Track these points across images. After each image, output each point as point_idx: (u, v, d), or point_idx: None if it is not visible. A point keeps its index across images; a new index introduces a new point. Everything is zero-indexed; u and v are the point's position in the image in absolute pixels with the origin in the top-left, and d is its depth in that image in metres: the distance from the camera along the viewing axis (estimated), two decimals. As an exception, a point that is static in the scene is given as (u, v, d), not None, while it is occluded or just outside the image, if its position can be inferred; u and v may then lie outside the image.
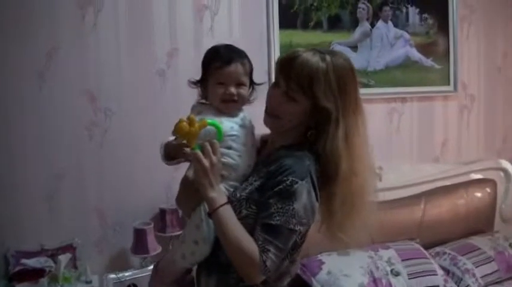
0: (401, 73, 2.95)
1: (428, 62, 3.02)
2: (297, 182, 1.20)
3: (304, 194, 1.21)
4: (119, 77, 2.37)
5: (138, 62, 2.40)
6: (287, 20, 2.65)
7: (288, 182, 1.19)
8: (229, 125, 1.31)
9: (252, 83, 1.39)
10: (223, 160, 1.27)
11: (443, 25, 3.04)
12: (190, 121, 1.20)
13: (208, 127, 1.23)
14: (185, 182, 1.35)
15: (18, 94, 2.23)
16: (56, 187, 2.31)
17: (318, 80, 1.22)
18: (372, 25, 2.86)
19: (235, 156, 1.30)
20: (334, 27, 2.77)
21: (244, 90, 1.34)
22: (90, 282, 2.25)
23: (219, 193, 1.23)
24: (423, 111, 3.06)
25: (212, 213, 1.21)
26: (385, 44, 2.90)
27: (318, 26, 2.73)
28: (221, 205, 1.21)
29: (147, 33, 2.41)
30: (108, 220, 2.42)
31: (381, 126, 2.93)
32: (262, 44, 2.61)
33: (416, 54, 2.99)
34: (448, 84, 3.07)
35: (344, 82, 1.25)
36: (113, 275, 2.26)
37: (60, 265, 2.16)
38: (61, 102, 2.29)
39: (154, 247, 2.30)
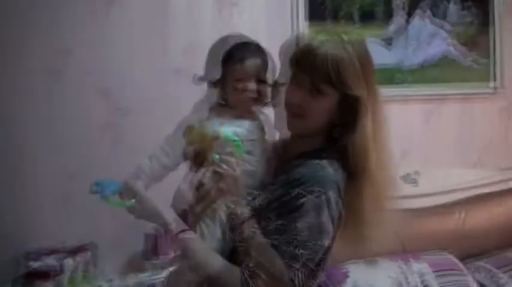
0: (439, 71, 2.77)
1: (468, 59, 2.82)
2: (303, 195, 1.07)
3: (312, 211, 1.07)
4: (133, 76, 2.29)
5: (154, 59, 2.31)
6: (314, 12, 2.50)
7: (292, 194, 1.08)
8: (249, 128, 1.22)
9: (276, 84, 1.30)
10: (220, 169, 1.18)
11: (485, 20, 2.84)
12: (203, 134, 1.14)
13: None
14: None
15: (31, 93, 2.18)
16: (70, 187, 2.25)
17: (346, 68, 1.15)
18: (409, 15, 2.68)
19: (253, 162, 1.21)
20: (366, 21, 2.60)
21: (264, 88, 1.25)
22: (101, 286, 2.18)
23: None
24: (462, 112, 2.87)
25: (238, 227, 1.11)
26: (421, 39, 2.72)
27: (348, 18, 2.56)
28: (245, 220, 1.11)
29: (163, 29, 2.32)
30: (123, 223, 2.32)
31: (416, 128, 2.77)
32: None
33: (455, 52, 2.80)
34: (490, 83, 2.87)
35: (366, 67, 1.18)
36: (122, 280, 2.20)
37: (68, 268, 2.09)
38: (74, 101, 2.23)
39: (166, 252, 2.20)
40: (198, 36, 2.34)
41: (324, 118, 1.19)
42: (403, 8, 2.64)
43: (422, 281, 2.18)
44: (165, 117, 2.31)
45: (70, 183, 2.25)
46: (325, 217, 1.08)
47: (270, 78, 1.28)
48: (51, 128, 2.21)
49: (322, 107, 1.18)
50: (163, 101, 2.33)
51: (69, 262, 2.15)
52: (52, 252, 2.21)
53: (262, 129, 1.26)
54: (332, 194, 1.10)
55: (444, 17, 2.75)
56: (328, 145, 1.21)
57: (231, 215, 1.15)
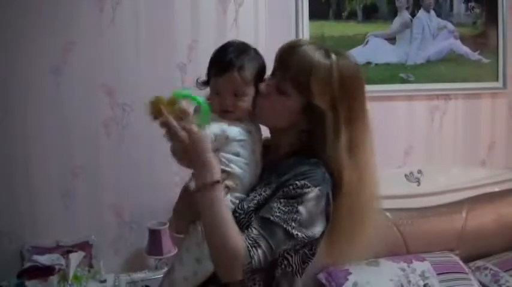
0: (444, 68, 2.71)
1: (474, 55, 2.76)
2: (308, 187, 1.07)
3: (313, 200, 1.08)
4: (137, 72, 2.28)
5: (158, 55, 2.30)
6: (318, 10, 2.47)
7: (298, 184, 1.07)
8: (236, 129, 1.17)
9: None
10: (228, 169, 1.14)
11: (492, 14, 2.77)
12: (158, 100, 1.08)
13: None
14: (185, 193, 1.22)
15: (35, 89, 2.19)
16: (73, 184, 2.27)
17: (317, 76, 1.10)
18: (412, 15, 2.63)
19: (242, 164, 1.16)
20: (370, 18, 2.57)
21: (242, 101, 1.18)
22: (104, 281, 2.20)
23: (212, 167, 1.06)
24: (469, 109, 2.81)
25: (199, 190, 1.05)
26: (426, 35, 2.66)
27: (352, 16, 2.54)
28: (214, 182, 1.05)
29: (167, 25, 2.31)
30: (125, 219, 2.35)
31: (421, 125, 2.72)
32: (291, 36, 2.44)
33: (461, 47, 2.74)
34: (497, 80, 2.80)
35: (350, 85, 1.14)
36: (125, 276, 2.20)
37: (70, 264, 2.11)
38: (78, 97, 2.23)
39: (170, 249, 2.21)
40: (202, 33, 2.34)
41: (286, 118, 1.16)
42: (407, 8, 2.61)
43: (424, 284, 2.17)
44: (169, 115, 2.32)
45: (74, 179, 2.26)
46: (322, 211, 1.10)
47: (249, 90, 1.20)
48: (55, 125, 2.22)
49: (283, 107, 1.15)
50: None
51: (74, 257, 2.17)
52: (57, 247, 2.24)
53: (250, 132, 1.21)
54: (329, 193, 1.11)
55: (447, 16, 2.70)
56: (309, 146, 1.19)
57: (239, 211, 1.13)
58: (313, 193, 1.07)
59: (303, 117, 1.15)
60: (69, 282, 2.10)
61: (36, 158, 2.22)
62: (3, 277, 2.14)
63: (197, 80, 1.26)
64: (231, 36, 2.34)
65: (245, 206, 1.13)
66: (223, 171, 1.13)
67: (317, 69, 1.10)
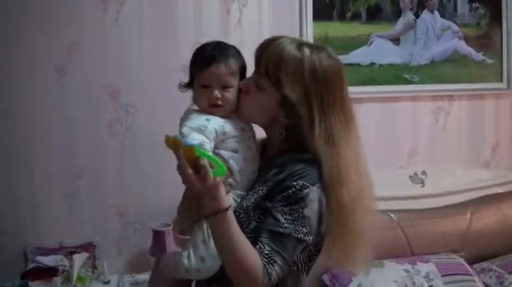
0: (448, 68, 2.69)
1: (478, 56, 2.74)
2: (307, 187, 1.07)
3: (316, 200, 1.08)
4: (141, 73, 2.29)
5: (162, 56, 2.30)
6: (322, 11, 2.46)
7: (297, 186, 1.07)
8: (232, 125, 1.19)
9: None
10: (229, 165, 1.14)
11: (496, 15, 2.75)
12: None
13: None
14: (188, 192, 1.23)
15: (39, 90, 2.19)
16: (77, 185, 2.28)
17: (286, 66, 1.11)
18: (416, 15, 2.62)
19: (240, 161, 1.17)
20: (374, 18, 2.56)
21: (230, 93, 1.20)
22: (108, 282, 2.20)
23: (221, 197, 1.05)
24: (473, 110, 2.79)
25: (211, 216, 1.05)
26: (430, 36, 2.65)
27: (356, 16, 2.53)
28: (224, 209, 1.05)
29: (171, 26, 2.31)
30: (129, 219, 2.35)
31: (425, 126, 2.70)
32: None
33: (465, 48, 2.72)
34: (501, 81, 2.78)
35: (324, 77, 1.13)
36: (129, 277, 2.20)
37: (74, 265, 2.11)
38: (82, 98, 2.24)
39: (173, 250, 2.19)
40: (206, 34, 2.31)
41: (266, 113, 1.17)
42: (411, 9, 2.60)
43: (429, 286, 2.16)
44: (173, 115, 2.31)
45: (77, 180, 2.27)
46: (325, 207, 1.11)
47: (235, 81, 1.21)
48: (59, 126, 2.22)
49: (261, 102, 1.16)
50: (170, 98, 2.30)
51: (77, 257, 2.17)
52: (60, 248, 2.24)
53: (242, 129, 1.22)
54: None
55: (451, 17, 2.69)
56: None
57: (239, 210, 1.13)
58: (312, 192, 1.08)
59: (280, 111, 1.14)
60: (73, 283, 2.10)
61: (40, 159, 2.22)
62: (6, 277, 2.14)
63: (179, 83, 1.27)
64: (234, 36, 2.34)
65: (244, 205, 1.13)
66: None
67: (286, 61, 1.11)
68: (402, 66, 2.60)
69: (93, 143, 2.27)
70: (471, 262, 2.38)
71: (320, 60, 1.13)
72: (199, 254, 1.15)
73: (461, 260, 2.34)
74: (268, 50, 1.14)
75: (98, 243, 2.28)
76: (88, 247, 2.28)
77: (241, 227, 1.09)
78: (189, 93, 2.31)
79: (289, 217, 1.06)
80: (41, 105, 2.20)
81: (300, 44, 1.15)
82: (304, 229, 1.06)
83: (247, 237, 1.08)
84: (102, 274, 2.23)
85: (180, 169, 1.01)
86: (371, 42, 2.54)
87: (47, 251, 2.21)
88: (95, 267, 2.27)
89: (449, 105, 2.74)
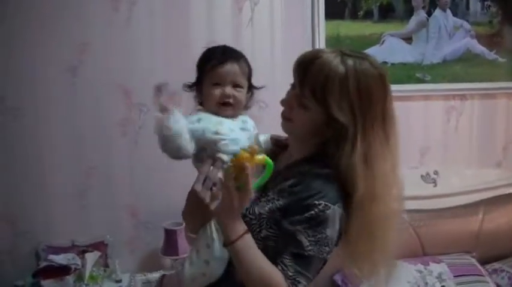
0: (460, 67, 2.66)
1: (491, 55, 2.71)
2: (329, 207, 1.06)
3: (337, 219, 1.07)
4: (153, 72, 2.27)
5: (174, 55, 2.28)
6: (334, 9, 2.44)
7: (320, 207, 1.06)
8: (228, 126, 1.19)
9: (251, 87, 1.28)
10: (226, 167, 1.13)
11: (508, 13, 2.70)
12: (251, 152, 1.04)
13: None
14: (193, 197, 1.20)
15: (51, 89, 2.19)
16: (89, 184, 2.28)
17: (333, 86, 1.06)
18: (429, 14, 2.59)
19: None
20: (386, 17, 2.54)
21: (241, 93, 1.23)
22: (120, 281, 2.21)
23: (239, 222, 1.09)
24: (485, 110, 2.76)
25: (230, 244, 1.07)
26: (443, 35, 2.62)
27: (368, 15, 2.51)
28: (240, 236, 1.07)
29: (183, 25, 2.30)
30: (141, 218, 2.35)
31: (437, 126, 2.68)
32: (306, 36, 2.42)
33: (477, 47, 2.69)
34: (515, 79, 2.74)
35: (368, 91, 1.08)
36: (141, 276, 2.20)
37: (87, 264, 2.11)
38: (94, 97, 2.23)
39: (185, 249, 2.19)
40: (218, 33, 2.32)
41: (309, 129, 1.13)
42: (423, 7, 2.58)
43: (442, 286, 2.15)
44: (185, 114, 2.31)
45: (89, 179, 2.27)
46: (343, 223, 1.10)
47: (245, 83, 1.25)
48: (71, 125, 2.22)
49: (305, 119, 1.12)
50: (183, 97, 2.31)
51: (90, 256, 2.18)
52: (72, 247, 2.25)
53: (244, 129, 1.23)
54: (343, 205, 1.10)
55: (464, 15, 2.65)
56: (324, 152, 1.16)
57: (250, 216, 1.13)
58: (334, 211, 1.07)
59: (326, 129, 1.11)
60: (85, 282, 2.11)
61: (52, 158, 2.22)
62: (18, 276, 2.16)
63: (184, 84, 1.29)
64: (246, 35, 2.33)
65: (256, 211, 1.13)
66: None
67: (332, 81, 1.06)
68: (414, 65, 2.58)
69: (105, 142, 2.27)
70: (483, 262, 2.36)
71: (363, 72, 1.08)
72: (203, 258, 1.15)
73: (474, 261, 2.33)
74: (312, 70, 1.08)
75: (110, 242, 2.29)
76: (99, 246, 2.28)
77: (252, 233, 1.09)
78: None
79: (313, 239, 1.06)
80: (53, 105, 2.20)
81: (343, 55, 1.09)
82: (327, 248, 1.07)
83: (257, 244, 1.09)
84: (114, 273, 2.23)
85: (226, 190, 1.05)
86: (383, 41, 2.52)
87: (59, 250, 2.23)
88: (106, 266, 2.28)
89: (461, 104, 2.71)
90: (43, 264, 2.14)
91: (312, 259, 1.06)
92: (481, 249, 2.41)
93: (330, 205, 1.06)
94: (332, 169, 1.10)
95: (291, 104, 1.13)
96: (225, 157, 1.14)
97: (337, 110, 1.06)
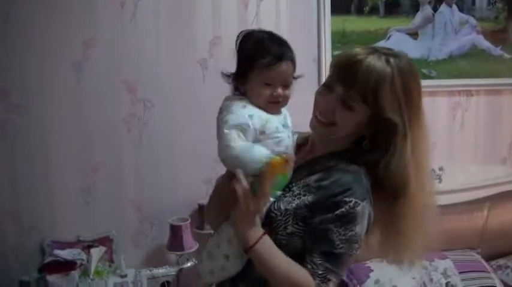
0: (466, 63, 2.65)
1: (497, 50, 2.70)
2: (359, 204, 1.07)
3: (366, 216, 1.09)
4: (158, 68, 2.27)
5: (179, 51, 2.28)
6: (340, 5, 2.43)
7: (350, 204, 1.06)
8: (275, 125, 1.15)
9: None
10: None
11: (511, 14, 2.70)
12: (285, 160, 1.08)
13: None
14: (220, 189, 1.21)
15: (56, 85, 2.19)
16: (94, 179, 2.28)
17: (384, 88, 1.06)
18: (435, 9, 2.58)
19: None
20: (392, 12, 2.53)
21: (289, 92, 1.18)
22: (125, 276, 2.20)
23: (256, 226, 1.10)
24: (490, 106, 2.75)
25: (249, 250, 1.08)
26: (448, 30, 2.61)
27: (374, 10, 2.49)
28: (258, 240, 1.08)
29: (189, 21, 2.28)
30: (146, 214, 2.36)
31: (442, 122, 2.67)
32: (312, 31, 2.42)
33: (483, 42, 2.68)
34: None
35: (410, 88, 1.10)
36: (146, 271, 2.20)
37: (92, 259, 2.12)
38: (99, 93, 2.23)
39: (191, 245, 2.21)
40: (224, 28, 2.31)
41: (352, 129, 1.13)
42: (429, 2, 2.56)
43: (447, 283, 2.15)
44: (190, 110, 2.32)
45: (94, 174, 2.27)
46: (372, 219, 1.12)
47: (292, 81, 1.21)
48: (76, 120, 2.22)
49: (349, 121, 1.11)
50: (188, 93, 2.31)
51: (95, 251, 2.18)
52: (77, 242, 2.25)
53: (285, 126, 1.19)
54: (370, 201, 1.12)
55: (469, 11, 2.64)
56: (356, 147, 1.17)
57: (275, 211, 1.12)
58: (363, 208, 1.08)
59: (366, 127, 1.12)
60: (91, 276, 2.11)
61: (57, 154, 2.22)
62: (24, 271, 2.16)
63: (223, 73, 1.22)
64: (252, 31, 2.31)
65: (282, 207, 1.12)
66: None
67: (383, 86, 1.07)
68: (420, 61, 2.56)
69: (110, 138, 2.27)
70: (488, 258, 2.36)
71: (405, 70, 1.09)
72: (223, 253, 1.15)
73: (479, 257, 2.33)
74: (360, 74, 1.07)
75: (115, 237, 2.29)
76: (105, 241, 2.28)
77: (277, 229, 1.10)
78: (205, 88, 2.32)
79: (343, 237, 1.06)
80: (58, 101, 2.19)
81: (384, 55, 1.09)
82: (356, 245, 1.08)
83: (282, 240, 1.10)
84: (119, 268, 2.23)
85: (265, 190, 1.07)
86: (389, 36, 2.51)
87: (64, 245, 2.22)
88: (111, 261, 2.28)
89: (467, 100, 2.71)
90: (49, 259, 2.13)
91: (342, 257, 1.07)
92: (486, 245, 2.41)
93: (359, 201, 1.07)
94: (361, 165, 1.11)
95: (333, 107, 1.11)
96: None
97: (389, 111, 1.07)
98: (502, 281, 2.24)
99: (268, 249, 1.08)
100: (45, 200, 2.24)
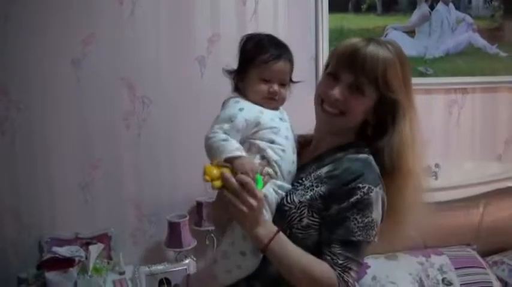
0: (462, 61, 2.67)
1: (493, 49, 2.72)
2: (372, 190, 1.09)
3: (380, 201, 1.11)
4: (157, 65, 2.27)
5: (178, 49, 2.29)
6: (337, 2, 2.44)
7: (364, 190, 1.09)
8: (269, 116, 1.19)
9: (290, 81, 1.28)
10: (265, 154, 1.15)
11: (510, 7, 2.72)
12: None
13: None
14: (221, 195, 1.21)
15: (55, 82, 2.18)
16: (92, 176, 2.28)
17: (391, 71, 1.14)
18: (431, 7, 2.59)
19: (279, 151, 1.16)
20: (390, 10, 2.54)
21: (285, 91, 1.24)
22: (123, 273, 2.22)
23: (265, 224, 1.10)
24: (486, 103, 2.77)
25: (264, 250, 1.09)
26: (445, 28, 2.63)
27: (371, 8, 2.51)
28: (271, 238, 1.08)
29: (187, 18, 2.29)
30: (144, 211, 2.36)
31: (439, 119, 2.69)
32: (310, 29, 2.43)
33: (479, 40, 2.70)
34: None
35: (406, 71, 1.18)
36: (145, 268, 2.21)
37: (91, 256, 2.12)
38: (98, 90, 2.23)
39: (189, 242, 2.22)
40: (222, 26, 2.32)
41: (361, 116, 1.18)
42: (426, 1, 2.58)
43: (443, 279, 2.18)
44: (188, 107, 2.33)
45: (93, 172, 2.27)
46: (385, 204, 1.15)
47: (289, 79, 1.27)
48: (75, 117, 2.22)
49: (362, 106, 1.16)
50: (186, 90, 2.32)
51: (93, 248, 2.18)
52: (75, 239, 2.25)
53: (282, 119, 1.23)
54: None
55: (466, 9, 2.66)
56: (360, 139, 1.22)
57: (289, 205, 1.14)
58: (377, 193, 1.11)
59: (373, 114, 1.18)
60: (89, 273, 2.11)
61: (56, 151, 2.22)
62: (22, 268, 2.16)
63: (223, 69, 1.28)
64: (250, 28, 2.32)
65: (295, 200, 1.13)
66: (262, 158, 1.14)
67: (390, 69, 1.13)
68: (417, 58, 2.58)
69: (108, 135, 2.27)
70: (483, 255, 2.39)
71: (402, 53, 1.18)
72: (239, 250, 1.15)
73: (474, 253, 2.35)
74: (367, 61, 1.13)
75: (113, 234, 2.30)
76: (103, 238, 2.29)
77: (292, 223, 1.11)
78: (203, 85, 2.33)
79: (361, 225, 1.08)
80: (57, 98, 2.19)
81: (383, 44, 1.16)
82: (373, 231, 1.10)
83: (298, 233, 1.11)
84: (117, 265, 2.24)
85: (233, 192, 1.06)
86: (386, 34, 2.52)
87: (62, 242, 2.23)
88: (110, 258, 2.28)
89: (462, 98, 2.73)
90: (47, 256, 2.13)
91: (361, 244, 1.09)
92: (482, 242, 2.44)
93: (372, 187, 1.09)
94: (368, 154, 1.16)
95: (345, 95, 1.15)
96: (262, 144, 1.16)
97: (398, 92, 1.15)
98: (498, 277, 2.27)
99: (284, 246, 1.09)
100: (44, 197, 2.23)
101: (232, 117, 1.16)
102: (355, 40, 1.17)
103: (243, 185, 1.06)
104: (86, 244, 2.24)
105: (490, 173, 2.61)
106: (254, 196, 1.06)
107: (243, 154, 1.12)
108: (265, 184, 1.12)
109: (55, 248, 2.17)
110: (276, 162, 1.15)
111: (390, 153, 1.14)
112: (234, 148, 1.12)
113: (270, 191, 1.13)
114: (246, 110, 1.18)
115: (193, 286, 1.32)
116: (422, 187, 1.19)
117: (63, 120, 2.21)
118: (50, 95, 2.18)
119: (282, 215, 1.13)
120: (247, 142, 1.17)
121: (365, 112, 1.17)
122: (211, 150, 1.15)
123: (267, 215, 1.12)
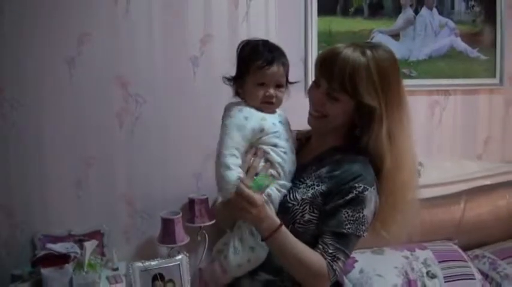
0: (445, 64, 2.78)
1: (474, 52, 2.84)
2: (367, 189, 1.18)
3: (373, 200, 1.19)
4: (150, 64, 2.31)
5: (171, 48, 2.33)
6: (326, 6, 2.52)
7: (360, 189, 1.17)
8: (271, 121, 1.27)
9: (287, 83, 1.34)
10: (269, 157, 1.24)
11: (490, 13, 2.84)
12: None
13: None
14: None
15: (49, 80, 2.20)
16: (85, 173, 2.30)
17: (360, 77, 1.17)
18: (416, 12, 2.70)
19: (281, 153, 1.25)
20: (376, 14, 2.63)
21: (282, 93, 1.30)
22: (116, 269, 2.23)
23: (269, 217, 1.18)
24: (467, 105, 2.89)
25: (267, 240, 1.18)
26: (429, 32, 2.73)
27: (358, 12, 2.60)
28: (274, 231, 1.17)
29: (181, 19, 2.33)
30: (137, 208, 2.39)
31: (422, 120, 2.79)
32: (299, 32, 2.50)
33: (461, 44, 2.81)
34: (494, 76, 2.88)
35: (386, 75, 1.20)
36: (139, 264, 2.24)
37: (86, 252, 2.14)
38: (92, 88, 2.25)
39: (182, 238, 2.25)
40: (215, 27, 2.37)
41: (342, 119, 1.24)
42: (411, 5, 2.68)
43: (427, 272, 2.25)
44: (181, 105, 2.37)
45: (86, 169, 2.29)
46: (378, 204, 1.23)
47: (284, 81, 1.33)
48: (68, 115, 2.23)
49: (338, 112, 1.22)
50: (179, 90, 2.36)
51: (89, 245, 2.19)
52: (68, 236, 2.26)
53: (281, 122, 1.30)
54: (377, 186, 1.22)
55: (449, 14, 2.77)
56: (353, 139, 1.28)
57: (292, 201, 1.22)
58: (371, 193, 1.18)
59: (355, 116, 1.22)
60: (85, 269, 2.13)
61: (49, 149, 2.23)
62: (15, 265, 2.16)
63: (224, 77, 1.34)
64: (242, 30, 2.38)
65: (298, 197, 1.22)
66: (266, 160, 1.22)
67: (358, 71, 1.17)
68: (401, 61, 2.66)
69: (102, 133, 2.29)
70: (465, 249, 2.48)
71: (380, 58, 1.20)
72: (248, 245, 1.24)
73: (456, 248, 2.44)
74: (338, 66, 1.18)
75: (106, 231, 2.32)
76: (96, 235, 2.30)
77: (294, 218, 1.20)
78: (196, 85, 2.37)
79: (352, 219, 1.16)
80: (51, 96, 2.20)
81: (362, 48, 1.20)
82: (363, 227, 1.18)
83: (300, 228, 1.20)
84: (110, 261, 2.26)
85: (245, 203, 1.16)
86: (372, 37, 2.61)
87: (55, 239, 2.22)
88: (103, 254, 2.30)
89: (445, 99, 2.84)
90: (42, 252, 2.13)
91: (350, 237, 1.17)
92: (463, 236, 2.53)
93: (368, 187, 1.17)
94: (362, 154, 1.22)
95: (322, 101, 1.23)
96: (266, 148, 1.24)
97: (366, 96, 1.18)
98: (479, 270, 2.36)
99: (284, 238, 1.17)
100: (36, 194, 2.24)
101: (240, 127, 1.23)
102: (336, 46, 1.22)
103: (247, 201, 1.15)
104: (79, 241, 2.24)
105: (471, 171, 2.71)
106: (255, 205, 1.15)
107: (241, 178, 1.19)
108: (267, 186, 1.20)
109: (50, 245, 2.17)
110: (279, 164, 1.24)
111: (369, 153, 1.22)
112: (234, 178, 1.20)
113: (274, 190, 1.22)
114: (250, 119, 1.25)
115: (206, 279, 1.40)
116: (401, 191, 1.24)
117: (56, 117, 2.22)
118: (44, 93, 2.19)
119: (286, 211, 1.22)
120: (253, 147, 1.25)
121: (344, 115, 1.22)
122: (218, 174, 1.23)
123: (270, 212, 1.20)
